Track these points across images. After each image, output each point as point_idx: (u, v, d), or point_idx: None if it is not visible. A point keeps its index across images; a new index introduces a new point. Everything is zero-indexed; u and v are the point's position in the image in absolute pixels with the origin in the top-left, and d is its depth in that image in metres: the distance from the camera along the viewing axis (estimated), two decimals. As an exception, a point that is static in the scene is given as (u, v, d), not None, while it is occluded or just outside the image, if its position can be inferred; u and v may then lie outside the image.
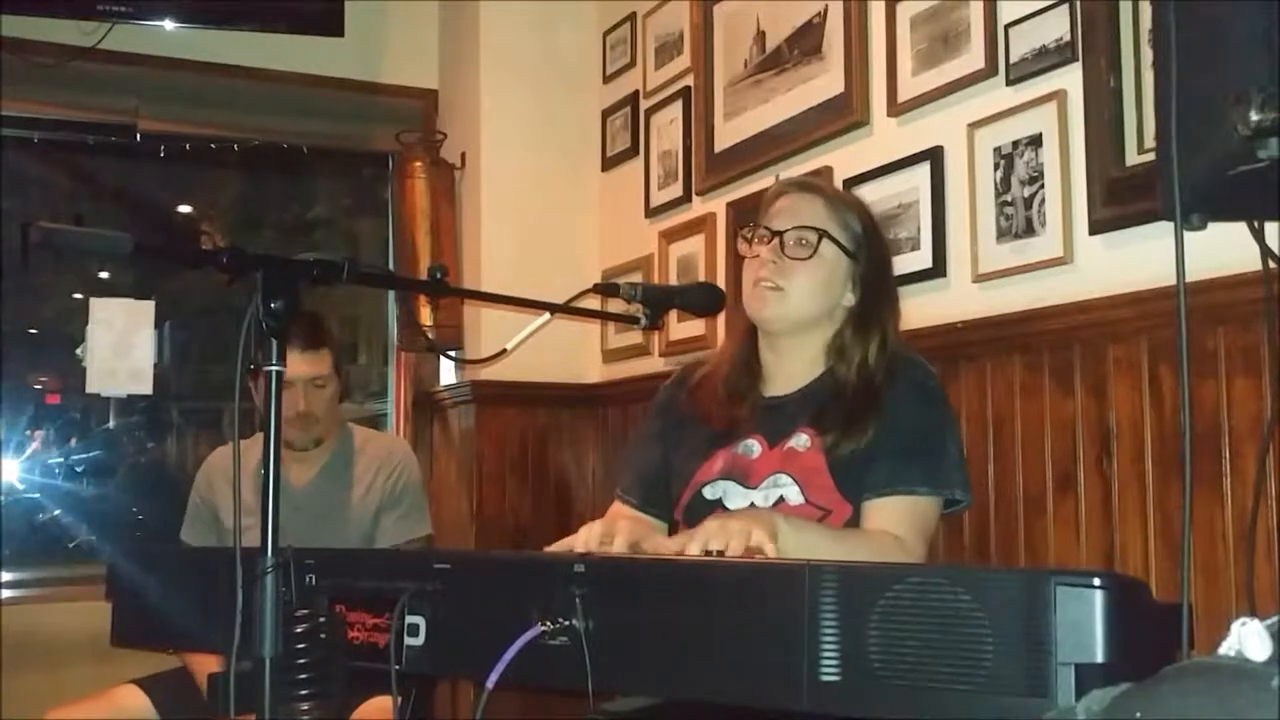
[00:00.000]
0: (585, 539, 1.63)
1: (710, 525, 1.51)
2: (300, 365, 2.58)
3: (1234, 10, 1.16)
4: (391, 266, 3.73)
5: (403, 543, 2.73)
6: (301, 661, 1.31)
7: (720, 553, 1.44)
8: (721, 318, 2.90)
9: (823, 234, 1.85)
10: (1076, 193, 2.10)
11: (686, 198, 3.25)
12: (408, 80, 3.92)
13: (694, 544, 1.48)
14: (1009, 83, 2.24)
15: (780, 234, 1.86)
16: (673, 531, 1.93)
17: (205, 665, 2.44)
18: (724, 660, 1.15)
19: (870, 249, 1.90)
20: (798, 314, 1.87)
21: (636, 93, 3.52)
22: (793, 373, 1.91)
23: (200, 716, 2.39)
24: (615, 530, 1.64)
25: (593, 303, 2.11)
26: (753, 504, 1.80)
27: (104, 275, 4.24)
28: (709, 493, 1.86)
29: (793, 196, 1.92)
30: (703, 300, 1.96)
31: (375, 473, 2.77)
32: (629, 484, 2.03)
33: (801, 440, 1.82)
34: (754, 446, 1.86)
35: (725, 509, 1.82)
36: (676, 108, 3.30)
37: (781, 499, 1.79)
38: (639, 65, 3.52)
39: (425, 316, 3.52)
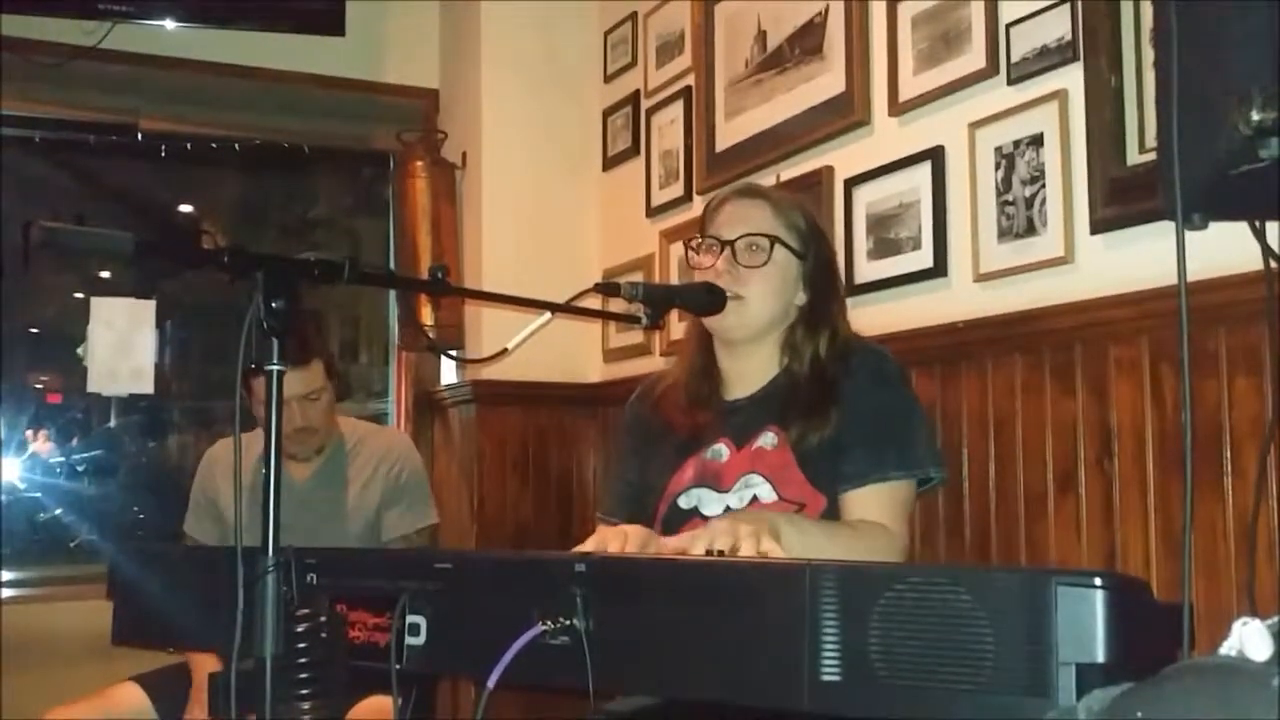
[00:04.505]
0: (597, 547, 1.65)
1: (717, 524, 1.52)
2: (293, 382, 2.56)
3: (1235, 10, 1.16)
4: (392, 266, 3.73)
5: (411, 533, 2.75)
6: (302, 661, 1.31)
7: (723, 552, 1.44)
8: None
9: (774, 239, 1.87)
10: (1078, 192, 2.10)
11: (688, 197, 3.25)
12: (409, 79, 3.92)
13: (698, 543, 1.48)
14: (1010, 82, 2.24)
15: (731, 243, 1.87)
16: None
17: (206, 664, 2.45)
18: (725, 660, 1.14)
19: (816, 247, 1.92)
20: (757, 321, 1.89)
21: (637, 92, 3.52)
22: (751, 375, 1.93)
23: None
24: (622, 537, 1.67)
25: (594, 302, 2.11)
26: (728, 507, 1.82)
27: (105, 275, 4.24)
28: (683, 502, 1.88)
29: (738, 204, 1.94)
30: (704, 300, 1.96)
31: (375, 467, 2.77)
32: (611, 505, 2.04)
33: (769, 439, 1.84)
34: (722, 450, 1.87)
35: (701, 516, 1.83)
36: (677, 107, 3.30)
37: (755, 498, 1.80)
38: (640, 65, 3.52)
39: (426, 316, 3.52)
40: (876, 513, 1.76)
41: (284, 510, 1.33)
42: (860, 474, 1.78)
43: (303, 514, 2.58)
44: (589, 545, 1.69)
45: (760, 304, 1.87)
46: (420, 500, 2.81)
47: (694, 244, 1.95)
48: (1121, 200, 2.00)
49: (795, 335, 1.90)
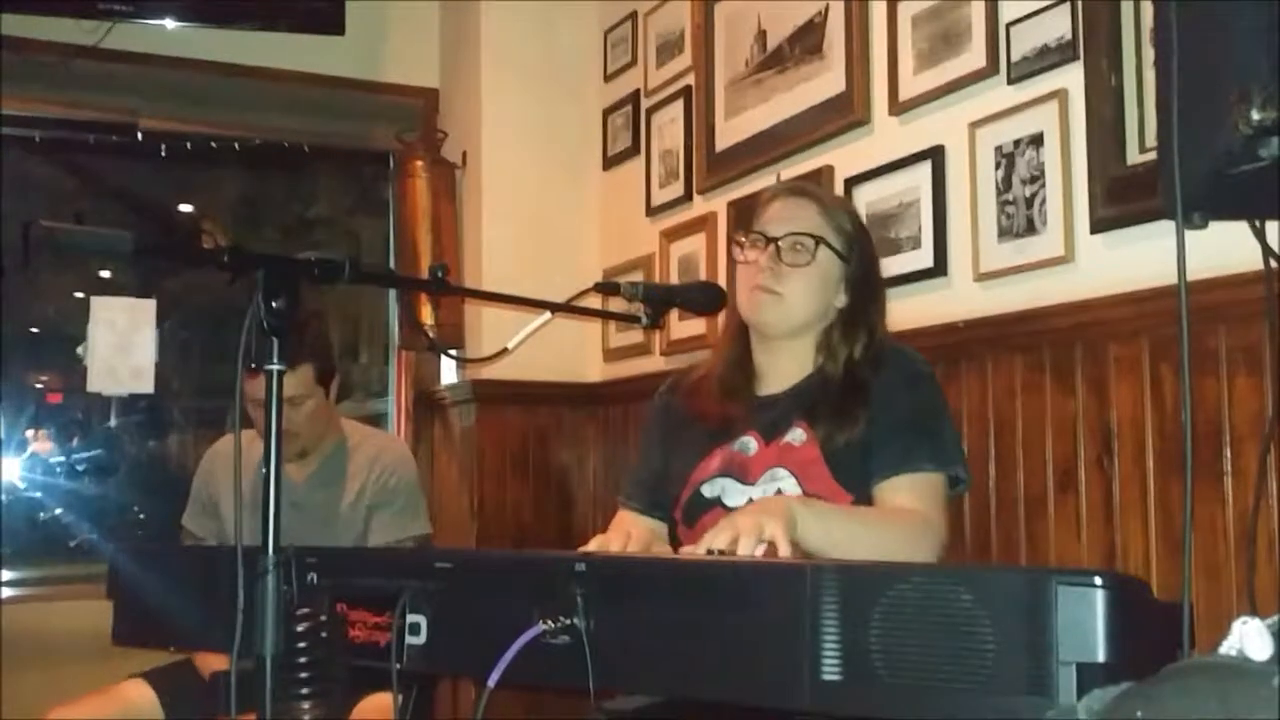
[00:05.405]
0: (600, 548, 1.66)
1: (721, 523, 1.52)
2: None
3: (1235, 9, 1.16)
4: (392, 265, 3.73)
5: (395, 541, 2.73)
6: (303, 660, 1.31)
7: (723, 551, 1.44)
8: (722, 317, 2.90)
9: (819, 240, 1.87)
10: (1078, 192, 2.10)
11: (687, 197, 3.25)
12: (408, 79, 3.92)
13: (700, 544, 1.48)
14: (1010, 81, 2.24)
15: (776, 240, 1.88)
16: (673, 533, 1.95)
17: (210, 659, 2.45)
18: (726, 659, 1.15)
19: (860, 249, 1.92)
20: (794, 319, 1.89)
21: (637, 91, 3.53)
22: (785, 372, 1.93)
23: (204, 711, 2.40)
24: (625, 538, 1.68)
25: (594, 302, 2.11)
26: (751, 500, 1.81)
27: (105, 274, 4.24)
28: (707, 490, 1.87)
29: (786, 202, 1.93)
30: (703, 299, 1.97)
31: (368, 472, 2.76)
32: (632, 489, 2.04)
33: (797, 435, 1.84)
34: (750, 443, 1.87)
35: (724, 506, 1.84)
36: (677, 107, 3.30)
37: (779, 491, 1.80)
38: (640, 64, 3.52)
39: (426, 315, 3.52)
40: (910, 500, 1.75)
41: (284, 509, 1.33)
42: (891, 466, 1.77)
43: (297, 516, 2.57)
44: (593, 544, 1.70)
45: (797, 303, 1.88)
46: (410, 508, 2.77)
47: (739, 238, 1.96)
48: (1121, 199, 2.00)
49: (832, 336, 1.90)
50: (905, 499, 1.75)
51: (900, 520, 1.72)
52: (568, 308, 1.82)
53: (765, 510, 1.54)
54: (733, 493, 1.85)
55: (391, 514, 2.73)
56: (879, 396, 1.82)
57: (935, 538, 1.73)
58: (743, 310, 1.92)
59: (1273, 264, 1.32)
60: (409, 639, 1.36)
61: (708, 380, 1.99)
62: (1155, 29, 1.84)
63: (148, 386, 3.45)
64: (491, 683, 1.23)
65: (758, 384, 1.95)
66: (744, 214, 2.97)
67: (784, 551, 1.47)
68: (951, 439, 1.85)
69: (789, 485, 1.80)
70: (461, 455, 3.61)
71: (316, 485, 2.74)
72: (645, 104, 3.48)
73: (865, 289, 1.93)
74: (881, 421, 1.79)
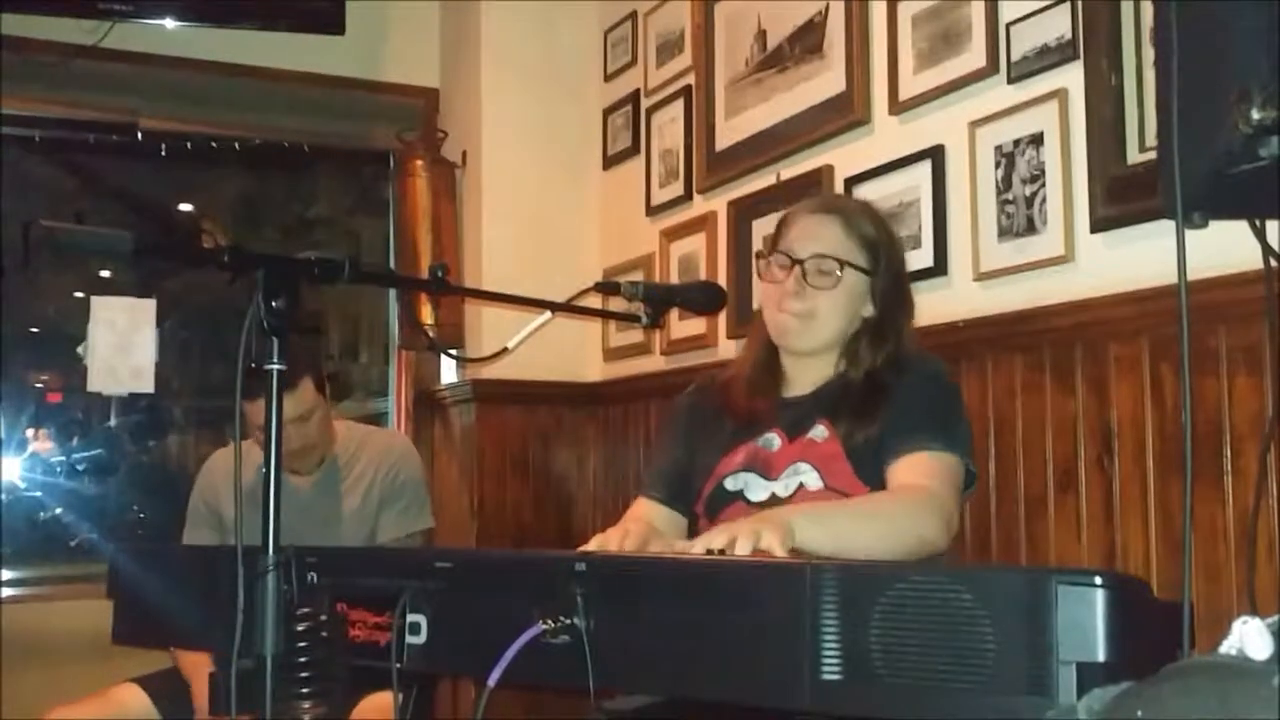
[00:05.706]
0: (599, 546, 1.67)
1: (720, 526, 1.53)
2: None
3: (1235, 9, 1.16)
4: (392, 265, 3.73)
5: (403, 536, 2.73)
6: (303, 660, 1.31)
7: (722, 551, 1.45)
8: (723, 316, 2.91)
9: (844, 263, 1.87)
10: (1078, 191, 2.10)
11: (687, 196, 3.25)
12: (409, 79, 3.92)
13: (698, 544, 1.49)
14: (1010, 81, 2.24)
15: (801, 262, 1.88)
16: (693, 526, 1.97)
17: (196, 665, 2.45)
18: (726, 659, 1.15)
19: (887, 259, 1.93)
20: (821, 339, 1.91)
21: (637, 91, 3.52)
22: (809, 376, 1.95)
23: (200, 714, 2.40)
24: (625, 535, 1.70)
25: (594, 301, 2.12)
26: (773, 494, 1.84)
27: (105, 274, 4.24)
28: (730, 484, 1.89)
29: (811, 220, 1.94)
30: (704, 299, 1.97)
31: (375, 471, 2.76)
32: (653, 480, 2.05)
33: (819, 432, 1.86)
34: (774, 440, 1.89)
35: (746, 500, 1.85)
36: (677, 106, 3.30)
37: (801, 485, 1.82)
38: (640, 64, 3.52)
39: (426, 315, 3.52)
40: (916, 476, 1.75)
41: (284, 518, 1.33)
42: (899, 447, 1.78)
43: (302, 521, 2.57)
44: (594, 542, 1.71)
45: (825, 324, 1.89)
46: (416, 503, 2.79)
47: (765, 256, 1.96)
48: (1122, 199, 2.00)
49: (858, 344, 1.92)
50: (912, 476, 1.75)
51: (901, 497, 1.72)
52: (568, 307, 1.82)
53: (763, 519, 1.55)
54: (755, 487, 1.87)
55: (400, 509, 2.75)
56: (897, 396, 1.84)
57: (941, 511, 1.70)
58: (771, 332, 1.94)
59: (1273, 264, 1.32)
60: (409, 639, 1.36)
61: (735, 381, 2.01)
62: (1155, 29, 1.84)
63: (148, 386, 3.45)
64: (491, 682, 1.23)
65: (784, 387, 1.97)
66: (744, 214, 2.97)
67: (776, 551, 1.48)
68: (963, 431, 1.85)
69: (811, 479, 1.82)
70: (461, 455, 3.61)
71: (319, 490, 2.74)
72: (645, 104, 3.48)
73: (893, 296, 1.93)
74: (897, 416, 1.81)
